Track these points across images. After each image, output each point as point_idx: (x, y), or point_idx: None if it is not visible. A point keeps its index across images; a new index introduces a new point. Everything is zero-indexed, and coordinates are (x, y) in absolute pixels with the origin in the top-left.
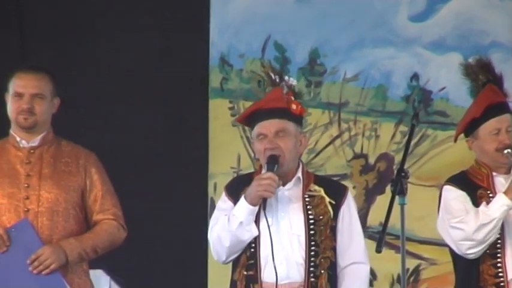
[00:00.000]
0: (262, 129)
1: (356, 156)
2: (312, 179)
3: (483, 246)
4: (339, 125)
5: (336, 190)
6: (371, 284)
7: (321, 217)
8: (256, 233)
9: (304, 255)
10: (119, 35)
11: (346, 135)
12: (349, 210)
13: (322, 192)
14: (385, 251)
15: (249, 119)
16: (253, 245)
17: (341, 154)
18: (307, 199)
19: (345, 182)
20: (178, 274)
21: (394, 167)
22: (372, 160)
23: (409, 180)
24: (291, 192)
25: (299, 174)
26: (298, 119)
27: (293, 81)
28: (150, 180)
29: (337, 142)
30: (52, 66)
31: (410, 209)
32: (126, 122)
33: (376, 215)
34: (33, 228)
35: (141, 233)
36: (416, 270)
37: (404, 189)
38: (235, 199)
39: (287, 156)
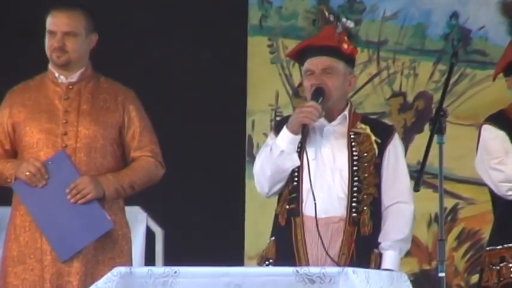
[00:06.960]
0: (310, 65)
1: (394, 95)
2: (359, 118)
3: None
4: (378, 63)
5: (382, 129)
6: None
7: (365, 154)
8: (298, 163)
9: (346, 190)
10: None
11: (384, 74)
12: (396, 150)
13: (368, 130)
14: (423, 190)
15: (300, 55)
16: (295, 178)
17: (379, 92)
18: (352, 136)
19: (383, 120)
20: (215, 211)
21: (433, 105)
22: (410, 98)
23: (447, 119)
24: (336, 128)
25: (346, 112)
26: (348, 59)
27: (350, 24)
28: (188, 117)
29: (376, 80)
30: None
31: (448, 148)
32: (164, 59)
33: (414, 154)
34: (70, 159)
35: (179, 170)
36: (454, 210)
37: (443, 128)
38: None
39: (333, 94)
